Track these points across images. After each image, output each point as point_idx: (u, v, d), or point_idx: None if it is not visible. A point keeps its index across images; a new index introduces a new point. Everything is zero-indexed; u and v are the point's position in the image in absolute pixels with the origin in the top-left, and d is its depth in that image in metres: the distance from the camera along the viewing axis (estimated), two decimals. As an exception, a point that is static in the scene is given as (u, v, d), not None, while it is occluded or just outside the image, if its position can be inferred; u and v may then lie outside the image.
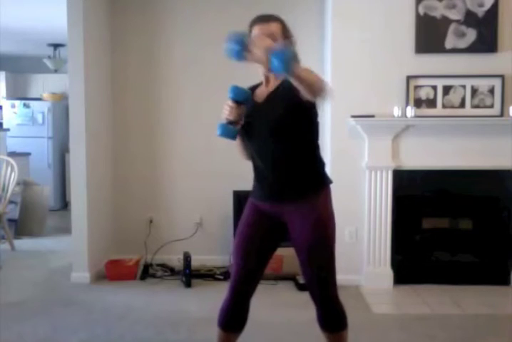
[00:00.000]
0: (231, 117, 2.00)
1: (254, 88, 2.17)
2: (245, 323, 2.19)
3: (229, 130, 2.02)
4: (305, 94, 1.89)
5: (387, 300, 3.72)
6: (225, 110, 2.01)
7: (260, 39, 1.88)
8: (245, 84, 2.16)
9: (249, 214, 2.18)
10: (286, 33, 2.08)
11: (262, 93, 2.10)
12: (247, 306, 2.17)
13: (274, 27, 2.04)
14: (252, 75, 2.18)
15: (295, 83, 1.84)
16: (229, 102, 2.00)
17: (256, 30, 2.04)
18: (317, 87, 1.88)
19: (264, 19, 2.07)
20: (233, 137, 2.05)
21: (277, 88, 2.06)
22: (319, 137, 2.15)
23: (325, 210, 2.09)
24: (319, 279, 2.09)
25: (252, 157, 2.16)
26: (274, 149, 2.06)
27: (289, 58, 1.75)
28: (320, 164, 2.16)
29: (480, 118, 3.82)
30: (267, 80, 2.10)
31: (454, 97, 3.86)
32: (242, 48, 1.81)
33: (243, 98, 2.01)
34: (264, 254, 2.17)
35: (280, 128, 2.02)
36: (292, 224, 2.08)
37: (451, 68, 3.84)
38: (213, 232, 4.45)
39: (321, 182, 2.12)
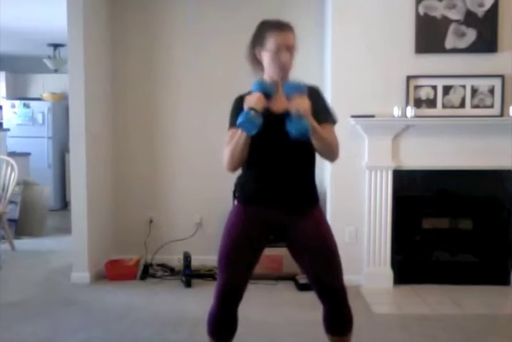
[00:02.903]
0: (258, 106, 1.92)
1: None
2: (235, 331, 2.16)
3: (254, 119, 1.91)
4: (318, 152, 2.03)
5: (387, 300, 3.72)
6: (253, 100, 1.94)
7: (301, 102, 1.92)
8: (245, 84, 2.16)
9: (236, 225, 2.12)
10: (296, 45, 2.08)
11: (279, 103, 2.03)
12: (235, 314, 2.14)
13: (292, 37, 2.04)
14: (252, 76, 2.19)
15: (314, 141, 1.97)
16: (257, 94, 1.95)
17: (275, 39, 2.01)
18: (330, 153, 2.06)
19: (282, 28, 2.04)
20: (256, 128, 1.92)
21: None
22: None
23: (326, 220, 2.20)
24: (335, 277, 2.10)
25: (257, 165, 2.10)
26: (291, 159, 2.07)
27: (302, 135, 1.91)
28: (315, 181, 2.21)
29: (480, 118, 3.82)
30: (278, 85, 2.08)
31: (454, 97, 3.85)
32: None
33: (271, 91, 1.97)
34: (251, 264, 2.14)
35: (300, 141, 2.00)
36: (302, 226, 2.08)
37: (451, 68, 3.84)
38: (213, 232, 4.43)
39: (318, 196, 2.20)
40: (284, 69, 2.04)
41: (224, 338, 2.17)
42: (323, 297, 2.13)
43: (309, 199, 2.14)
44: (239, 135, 1.96)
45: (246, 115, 1.92)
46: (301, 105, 1.91)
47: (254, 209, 2.11)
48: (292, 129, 1.90)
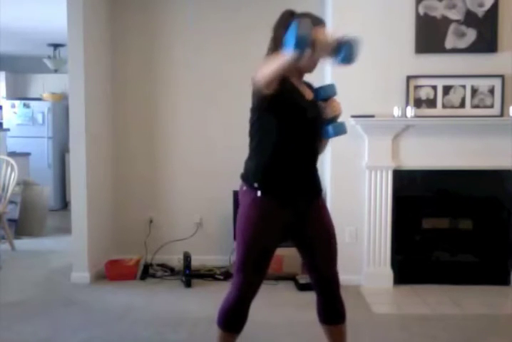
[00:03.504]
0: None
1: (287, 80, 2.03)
2: (246, 322, 2.18)
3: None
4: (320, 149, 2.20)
5: (387, 300, 3.72)
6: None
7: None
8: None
9: (274, 224, 2.06)
10: None
11: (305, 91, 2.11)
12: (249, 307, 2.16)
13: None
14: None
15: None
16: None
17: (321, 30, 1.97)
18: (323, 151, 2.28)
19: (318, 22, 2.08)
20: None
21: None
22: None
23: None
24: (335, 265, 2.17)
25: (280, 149, 2.05)
26: (315, 146, 2.14)
27: (342, 131, 2.05)
28: None
29: (480, 118, 3.82)
30: (301, 77, 2.13)
31: (454, 97, 3.86)
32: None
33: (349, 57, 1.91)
34: (271, 257, 2.14)
35: (319, 130, 2.12)
36: (318, 212, 2.17)
37: (451, 68, 3.84)
38: (213, 232, 4.45)
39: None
40: (314, 65, 2.08)
41: (237, 329, 2.18)
42: (318, 285, 2.17)
43: (320, 185, 2.22)
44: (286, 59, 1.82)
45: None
46: (339, 108, 2.06)
47: (282, 197, 2.06)
48: (332, 131, 2.02)
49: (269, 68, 1.84)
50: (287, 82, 1.99)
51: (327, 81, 4.02)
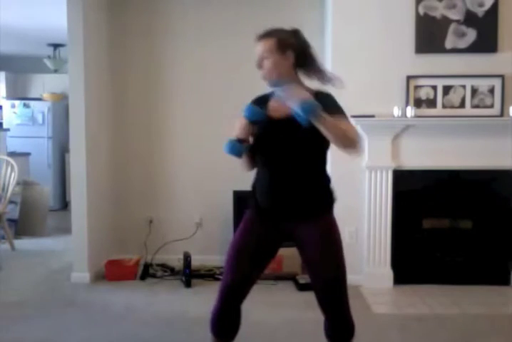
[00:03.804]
0: (242, 136, 1.99)
1: (265, 99, 2.11)
2: (238, 329, 2.16)
3: (237, 148, 1.99)
4: (334, 143, 1.94)
5: (387, 300, 3.72)
6: (237, 128, 2.01)
7: (294, 90, 1.89)
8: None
9: (247, 228, 2.13)
10: (283, 48, 2.04)
11: (278, 109, 2.03)
12: (237, 312, 2.13)
13: (268, 44, 2.03)
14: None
15: (323, 131, 1.90)
16: (243, 121, 1.99)
17: (256, 48, 2.07)
18: (346, 140, 1.92)
19: (259, 37, 2.07)
20: (240, 155, 2.02)
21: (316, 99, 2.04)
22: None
23: (336, 226, 2.10)
24: (334, 292, 2.07)
25: (260, 171, 2.11)
26: (292, 165, 2.04)
27: (310, 111, 1.83)
28: (329, 181, 2.14)
29: (480, 118, 3.82)
30: None
31: (454, 97, 3.86)
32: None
33: (260, 119, 2.00)
34: (259, 265, 2.13)
35: (300, 146, 2.02)
36: (305, 238, 2.06)
37: (451, 68, 3.84)
38: (213, 232, 4.45)
39: (330, 199, 2.12)
40: (268, 77, 2.05)
41: (225, 335, 2.16)
42: (322, 309, 2.11)
43: (316, 204, 2.07)
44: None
45: (229, 144, 1.99)
46: (295, 92, 1.88)
47: (262, 216, 2.11)
48: (300, 112, 1.83)
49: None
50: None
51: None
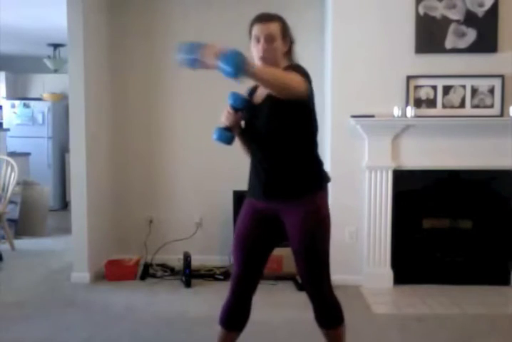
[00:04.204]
0: (228, 123, 2.04)
1: (255, 89, 2.20)
2: (247, 322, 2.21)
3: (225, 135, 2.03)
4: (275, 93, 1.91)
5: (387, 300, 3.71)
6: (224, 116, 2.06)
7: (208, 47, 1.78)
8: (246, 86, 2.16)
9: (246, 214, 2.20)
10: (285, 33, 2.09)
11: (261, 94, 2.12)
12: (248, 304, 2.19)
13: (273, 27, 2.06)
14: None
15: (257, 83, 1.94)
16: (228, 109, 2.04)
17: (255, 30, 2.07)
18: (282, 86, 1.86)
19: (263, 19, 2.08)
20: (228, 143, 2.05)
21: None
22: (318, 135, 2.16)
23: (321, 209, 2.09)
24: (312, 276, 2.12)
25: (251, 155, 2.19)
26: (272, 148, 2.07)
27: (233, 61, 1.71)
28: (318, 163, 2.15)
29: (480, 118, 3.82)
30: None
31: (454, 97, 3.85)
32: (195, 58, 1.79)
33: (242, 105, 2.03)
34: (263, 254, 2.19)
35: (276, 128, 2.04)
36: (288, 221, 2.09)
37: (451, 68, 3.84)
38: (213, 232, 4.45)
39: (318, 182, 2.12)
40: (262, 59, 2.05)
41: (234, 326, 2.20)
42: (307, 292, 2.17)
43: (298, 185, 2.07)
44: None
45: (217, 132, 2.03)
46: (212, 48, 1.76)
47: (255, 202, 2.17)
48: (223, 65, 1.71)
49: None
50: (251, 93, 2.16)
51: (327, 81, 4.02)
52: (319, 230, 2.08)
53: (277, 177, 2.08)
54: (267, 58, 2.05)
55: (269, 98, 2.03)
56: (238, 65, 1.71)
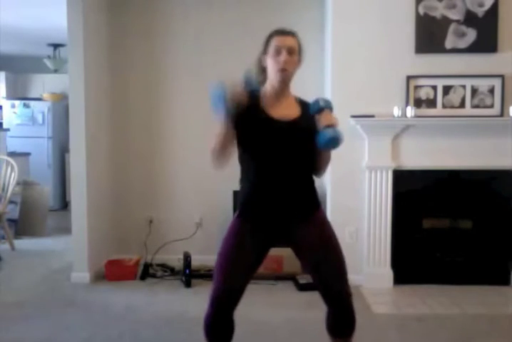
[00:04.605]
0: (235, 97, 1.92)
1: (255, 96, 2.08)
2: (232, 335, 2.15)
3: (224, 98, 1.91)
4: (320, 167, 2.15)
5: (387, 300, 3.72)
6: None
7: (328, 114, 2.01)
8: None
9: (239, 238, 2.12)
10: (300, 50, 2.11)
11: (282, 109, 2.07)
12: (230, 318, 2.12)
13: (293, 41, 2.08)
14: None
15: (320, 156, 2.10)
16: (241, 87, 1.96)
17: (276, 41, 2.06)
18: (327, 166, 2.19)
19: (284, 32, 2.09)
20: (224, 109, 1.93)
21: (304, 109, 2.10)
22: None
23: (328, 222, 2.19)
24: (341, 278, 2.12)
25: (254, 174, 2.10)
26: (293, 168, 2.07)
27: (337, 142, 1.96)
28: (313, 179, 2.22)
29: (480, 118, 3.82)
30: (279, 93, 2.10)
31: (454, 97, 3.85)
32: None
33: (250, 87, 1.99)
34: (249, 270, 2.14)
35: (304, 149, 2.07)
36: (306, 235, 2.09)
37: (451, 68, 3.84)
38: (213, 232, 4.44)
39: (319, 200, 2.20)
40: (283, 71, 2.04)
41: (222, 341, 2.15)
42: (328, 300, 2.13)
43: (312, 204, 2.15)
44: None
45: (217, 90, 1.93)
46: (333, 119, 1.99)
47: (257, 220, 2.10)
48: (325, 140, 1.95)
49: (212, 148, 2.05)
50: (251, 110, 2.03)
51: (327, 81, 4.02)
52: (335, 236, 2.16)
53: (296, 195, 2.08)
54: (287, 71, 2.05)
55: (299, 121, 2.06)
56: (335, 148, 2.00)
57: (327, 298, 2.13)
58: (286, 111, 2.07)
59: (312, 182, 2.16)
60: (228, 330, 2.14)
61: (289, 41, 2.05)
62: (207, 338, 2.15)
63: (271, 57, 2.06)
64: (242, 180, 2.14)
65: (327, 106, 2.02)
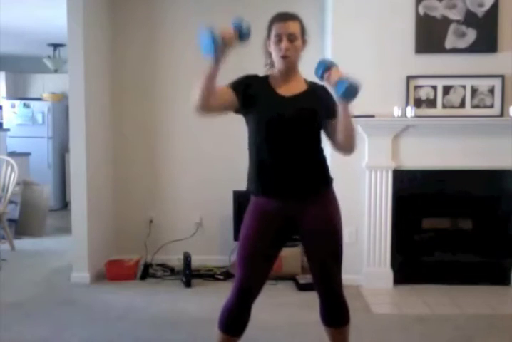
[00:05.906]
0: (225, 38, 1.88)
1: (258, 79, 2.14)
2: (247, 326, 2.18)
3: (216, 40, 1.88)
4: (340, 143, 2.06)
5: (387, 300, 3.72)
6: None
7: (335, 70, 1.98)
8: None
9: (254, 218, 2.13)
10: (303, 33, 2.11)
11: (289, 88, 2.10)
12: (250, 309, 2.15)
13: (295, 26, 2.07)
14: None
15: (341, 123, 2.01)
16: (232, 30, 1.93)
17: (276, 28, 2.06)
18: (354, 138, 2.09)
19: (284, 18, 2.09)
20: (213, 51, 1.89)
21: (312, 88, 2.12)
22: None
23: (336, 204, 2.17)
24: (332, 268, 2.13)
25: (257, 152, 2.11)
26: (298, 144, 2.07)
27: (357, 92, 1.94)
28: (325, 158, 2.20)
29: (480, 118, 3.82)
30: (286, 77, 2.12)
31: (454, 97, 3.86)
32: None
33: (247, 37, 1.97)
34: (271, 258, 2.15)
35: (310, 125, 2.07)
36: (307, 216, 2.10)
37: (451, 68, 3.84)
38: (213, 232, 4.45)
39: (329, 178, 2.19)
40: (285, 57, 2.05)
41: (235, 332, 2.17)
42: (319, 288, 2.16)
43: (319, 182, 2.14)
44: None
45: (207, 34, 1.89)
46: (341, 73, 1.96)
47: (266, 200, 2.12)
48: (343, 89, 1.92)
49: (196, 89, 1.95)
50: (254, 84, 2.08)
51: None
52: (337, 222, 2.16)
53: (299, 174, 2.08)
54: (289, 57, 2.06)
55: (306, 97, 2.08)
56: (355, 96, 1.96)
57: (318, 285, 2.17)
58: (292, 89, 2.10)
59: (319, 160, 2.15)
60: (245, 321, 2.16)
61: (289, 27, 2.05)
62: (222, 328, 2.16)
63: (273, 43, 2.07)
64: (249, 159, 2.16)
65: (333, 64, 2.02)
